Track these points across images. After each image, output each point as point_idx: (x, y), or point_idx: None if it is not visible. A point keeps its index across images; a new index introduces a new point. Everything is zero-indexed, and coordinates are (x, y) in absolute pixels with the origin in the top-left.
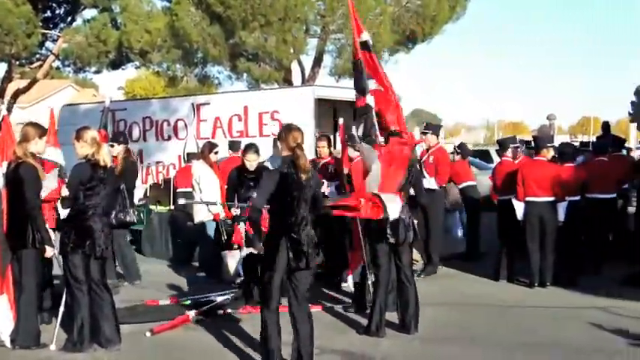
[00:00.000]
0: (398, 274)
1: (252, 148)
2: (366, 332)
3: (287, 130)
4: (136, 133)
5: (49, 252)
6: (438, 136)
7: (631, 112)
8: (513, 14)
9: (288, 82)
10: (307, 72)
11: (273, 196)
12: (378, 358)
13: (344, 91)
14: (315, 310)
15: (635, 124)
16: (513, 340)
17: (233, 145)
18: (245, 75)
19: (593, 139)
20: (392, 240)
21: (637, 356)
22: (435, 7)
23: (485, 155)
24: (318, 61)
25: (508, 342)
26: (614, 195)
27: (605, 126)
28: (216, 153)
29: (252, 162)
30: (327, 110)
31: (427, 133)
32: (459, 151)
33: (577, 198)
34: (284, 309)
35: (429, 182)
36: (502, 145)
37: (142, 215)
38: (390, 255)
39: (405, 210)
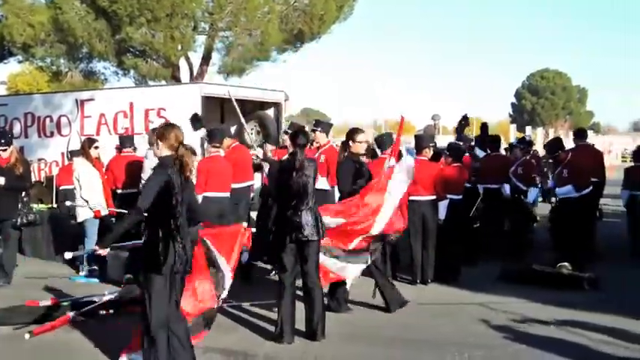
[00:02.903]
0: (304, 277)
1: None
2: (275, 339)
3: (169, 128)
4: (17, 129)
5: None
6: (327, 135)
7: (511, 113)
8: (399, 16)
9: (176, 79)
10: (195, 69)
11: (158, 198)
12: (260, 356)
13: (232, 89)
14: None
15: (515, 125)
16: (395, 337)
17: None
18: (132, 71)
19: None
20: (302, 237)
21: (515, 351)
22: (323, 6)
23: (373, 154)
24: (206, 59)
25: (390, 339)
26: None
27: (483, 127)
28: (96, 148)
29: None
30: (215, 108)
31: (316, 130)
32: None
33: (458, 197)
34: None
35: (321, 182)
36: (381, 143)
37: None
38: (296, 256)
39: (308, 209)
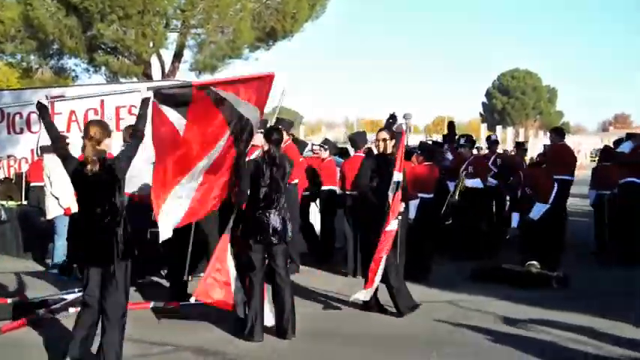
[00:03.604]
0: (273, 276)
1: None
2: (245, 337)
3: (87, 124)
4: None
5: None
6: (287, 132)
7: (482, 112)
8: (371, 14)
9: (147, 76)
10: (167, 67)
11: (77, 193)
12: (232, 355)
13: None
14: (170, 307)
15: (486, 125)
16: (366, 335)
17: None
18: (103, 68)
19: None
20: (268, 240)
21: (484, 348)
22: (295, 4)
23: (344, 153)
24: (178, 56)
25: (361, 337)
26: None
27: (450, 125)
28: (67, 145)
29: None
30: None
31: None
32: (325, 147)
33: (429, 196)
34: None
35: None
36: (354, 141)
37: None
38: (264, 255)
39: (278, 209)
